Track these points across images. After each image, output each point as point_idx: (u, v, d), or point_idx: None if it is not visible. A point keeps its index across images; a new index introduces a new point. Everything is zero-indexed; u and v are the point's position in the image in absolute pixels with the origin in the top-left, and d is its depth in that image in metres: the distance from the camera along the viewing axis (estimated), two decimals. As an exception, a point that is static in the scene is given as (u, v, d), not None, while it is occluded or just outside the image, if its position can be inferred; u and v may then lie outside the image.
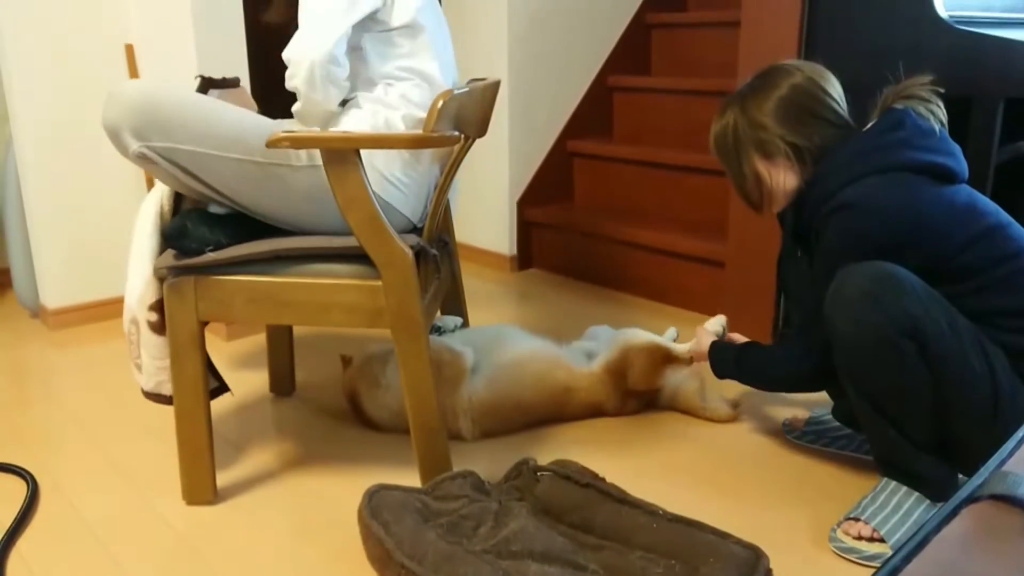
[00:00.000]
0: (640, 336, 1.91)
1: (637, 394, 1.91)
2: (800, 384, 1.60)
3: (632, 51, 3.33)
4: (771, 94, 1.46)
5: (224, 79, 1.64)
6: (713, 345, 1.72)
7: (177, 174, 1.44)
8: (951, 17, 1.99)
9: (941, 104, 1.44)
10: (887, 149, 1.38)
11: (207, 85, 1.63)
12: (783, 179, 1.48)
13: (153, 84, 1.45)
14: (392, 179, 1.56)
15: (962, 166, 1.40)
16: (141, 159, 1.41)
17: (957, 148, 1.42)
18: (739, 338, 1.75)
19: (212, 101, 1.48)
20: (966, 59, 1.54)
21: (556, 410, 1.87)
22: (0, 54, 2.41)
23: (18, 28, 2.34)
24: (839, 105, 1.46)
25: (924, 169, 1.36)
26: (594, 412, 1.91)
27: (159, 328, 1.55)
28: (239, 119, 1.46)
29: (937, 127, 1.41)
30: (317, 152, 1.49)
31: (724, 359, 1.68)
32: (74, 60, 2.45)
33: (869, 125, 1.44)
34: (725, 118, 1.52)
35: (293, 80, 1.54)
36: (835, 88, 1.47)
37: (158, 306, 1.54)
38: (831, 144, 1.44)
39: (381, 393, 1.82)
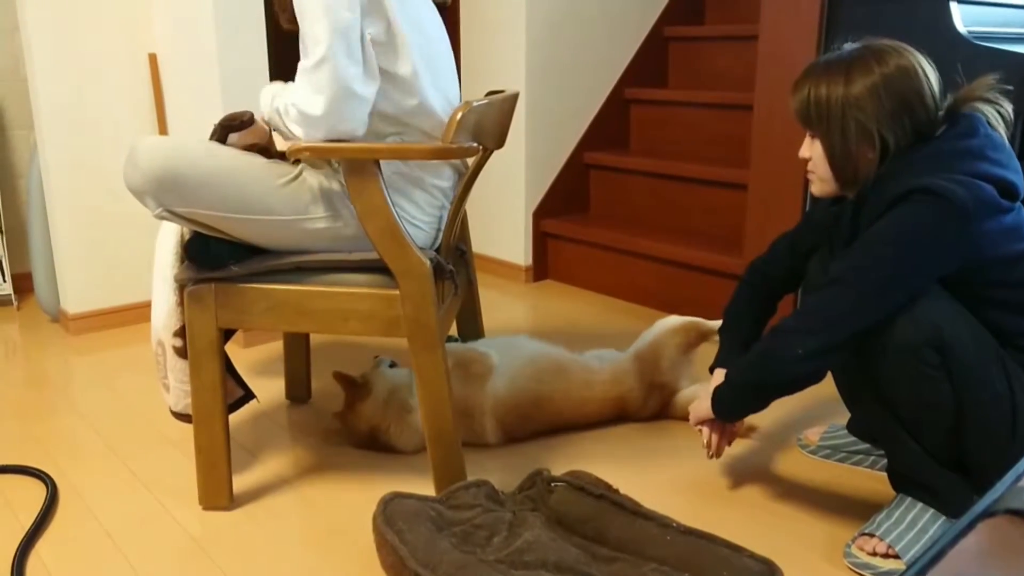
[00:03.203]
0: (673, 318, 2.00)
1: (662, 387, 1.92)
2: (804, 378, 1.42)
3: (649, 64, 3.34)
4: (876, 69, 1.36)
5: (240, 121, 1.63)
6: (713, 393, 1.54)
7: (200, 228, 1.49)
8: (970, 32, 1.99)
9: (1009, 105, 1.40)
10: (961, 156, 1.32)
11: (225, 131, 1.62)
12: (860, 165, 1.40)
13: (171, 148, 1.45)
14: (409, 219, 1.57)
15: (1022, 183, 1.35)
16: (163, 219, 1.46)
17: (1018, 164, 1.37)
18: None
19: (230, 160, 1.49)
20: (985, 75, 1.53)
21: (577, 407, 1.88)
22: (26, 63, 2.45)
23: (43, 36, 2.38)
24: (934, 100, 1.37)
25: (995, 182, 1.31)
26: (615, 410, 1.92)
27: (184, 353, 1.58)
28: (258, 178, 1.48)
29: (1006, 137, 1.37)
30: (338, 205, 1.51)
31: (725, 393, 1.52)
32: (98, 69, 2.48)
33: (940, 130, 1.38)
34: (828, 86, 1.39)
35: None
36: (936, 80, 1.38)
37: (182, 332, 1.57)
38: (908, 145, 1.37)
39: (413, 417, 1.79)
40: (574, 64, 3.11)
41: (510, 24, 2.96)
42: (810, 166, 1.46)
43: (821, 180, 1.44)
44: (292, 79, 1.49)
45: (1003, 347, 1.33)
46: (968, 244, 1.29)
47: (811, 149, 1.44)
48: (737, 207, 2.65)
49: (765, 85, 2.24)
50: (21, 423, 1.98)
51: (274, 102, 1.50)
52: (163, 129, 2.60)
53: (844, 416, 1.75)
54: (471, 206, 3.18)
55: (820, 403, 2.02)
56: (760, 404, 1.47)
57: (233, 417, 1.94)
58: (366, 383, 1.79)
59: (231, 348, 2.39)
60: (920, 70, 1.36)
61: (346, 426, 1.82)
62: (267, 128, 1.61)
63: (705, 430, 1.58)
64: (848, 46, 1.42)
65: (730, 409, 1.52)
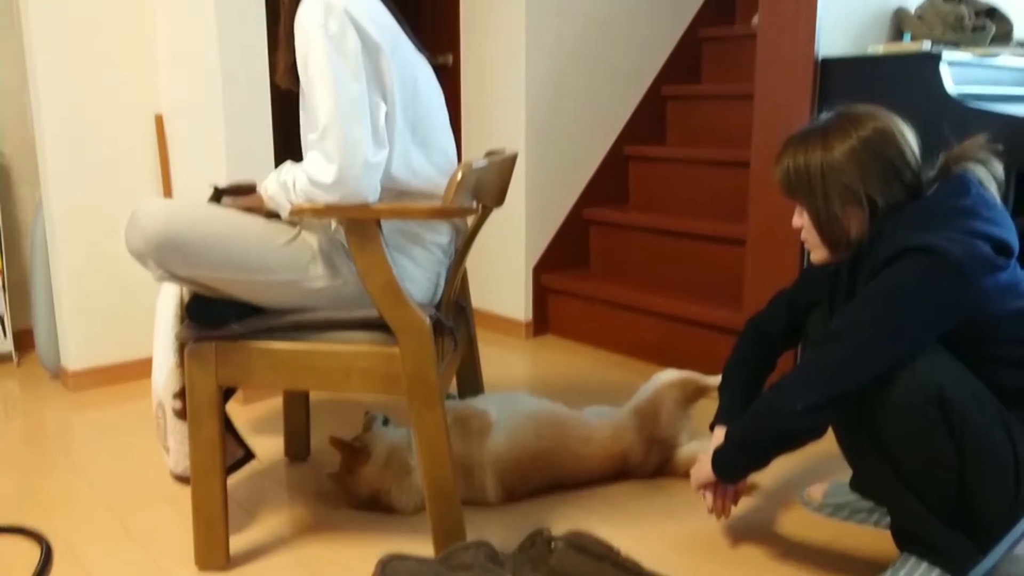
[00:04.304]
0: (670, 372, 1.98)
1: (662, 441, 1.91)
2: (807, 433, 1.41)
3: (648, 121, 3.40)
4: (852, 133, 1.39)
5: (238, 186, 1.67)
6: (713, 455, 1.53)
7: (200, 289, 1.51)
8: (960, 93, 2.03)
9: (999, 164, 1.42)
10: (955, 215, 1.34)
11: (221, 194, 1.65)
12: (850, 227, 1.42)
13: (172, 212, 1.47)
14: (408, 276, 1.58)
15: (1016, 241, 1.36)
16: (165, 281, 1.48)
17: (1011, 222, 1.38)
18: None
19: (231, 221, 1.51)
20: (976, 134, 1.56)
21: (577, 462, 1.87)
22: (33, 121, 2.49)
23: (53, 96, 2.43)
24: (915, 158, 1.40)
25: (989, 240, 1.32)
26: (616, 466, 1.91)
27: (184, 415, 1.58)
28: (258, 239, 1.50)
29: (998, 196, 1.39)
30: (337, 263, 1.53)
31: (726, 453, 1.50)
32: (105, 128, 2.53)
33: (932, 189, 1.40)
34: (806, 154, 1.42)
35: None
36: (914, 139, 1.42)
37: (182, 394, 1.57)
38: (898, 202, 1.39)
39: (413, 478, 1.77)
40: (573, 122, 3.16)
41: (510, 83, 3.02)
42: (803, 234, 1.48)
43: (815, 247, 1.47)
44: (295, 142, 1.52)
45: (1004, 404, 1.33)
46: (965, 301, 1.30)
47: (801, 217, 1.47)
48: (736, 262, 2.67)
49: (761, 144, 2.27)
50: (17, 480, 1.97)
51: (280, 176, 1.53)
52: (167, 189, 2.63)
53: (847, 473, 1.74)
54: (471, 261, 3.20)
55: (823, 460, 2.00)
56: (761, 462, 1.47)
57: (231, 475, 1.92)
58: (364, 447, 1.77)
59: (230, 406, 2.38)
60: (897, 130, 1.39)
61: (345, 489, 1.80)
62: (264, 197, 1.63)
63: (709, 495, 1.57)
64: (824, 115, 1.45)
65: (731, 468, 1.51)
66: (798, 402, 1.33)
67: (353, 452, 1.78)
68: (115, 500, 1.87)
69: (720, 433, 1.56)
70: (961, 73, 2.10)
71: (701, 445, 1.93)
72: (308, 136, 1.50)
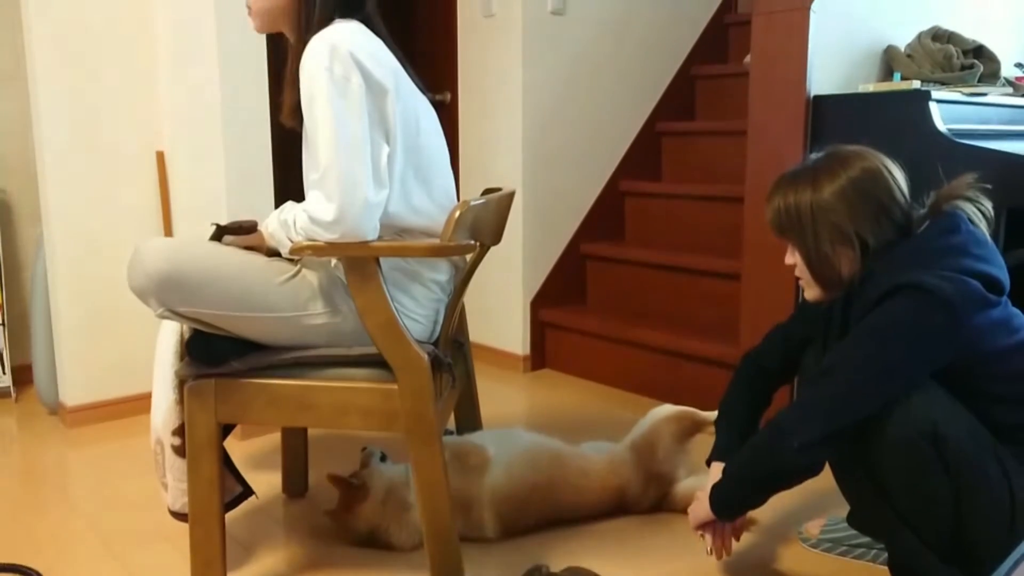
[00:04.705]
0: (667, 407, 1.99)
1: (659, 476, 1.91)
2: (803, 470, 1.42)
3: (643, 157, 3.44)
4: (841, 173, 1.41)
5: (240, 225, 1.69)
6: (711, 492, 1.53)
7: (201, 326, 1.52)
8: (950, 131, 2.07)
9: (989, 202, 1.44)
10: (946, 253, 1.36)
11: (222, 232, 1.67)
12: (841, 266, 1.44)
13: (174, 250, 1.48)
14: (407, 313, 1.59)
15: (1007, 278, 1.38)
16: (166, 318, 1.50)
17: (1002, 260, 1.40)
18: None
19: (231, 259, 1.53)
20: (966, 172, 1.59)
21: (575, 495, 1.87)
22: (36, 159, 2.52)
23: (55, 133, 2.46)
24: (904, 197, 1.42)
25: (980, 277, 1.33)
26: (613, 500, 1.91)
27: (182, 452, 1.59)
28: (258, 276, 1.52)
29: (988, 234, 1.41)
30: (337, 300, 1.54)
31: (723, 491, 1.51)
32: (107, 165, 2.55)
33: (923, 227, 1.42)
34: (796, 194, 1.44)
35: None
36: (902, 178, 1.44)
37: (181, 430, 1.58)
38: (889, 241, 1.41)
39: (412, 515, 1.77)
40: (570, 158, 3.20)
41: (507, 120, 3.06)
42: (797, 272, 1.50)
43: (808, 286, 1.49)
44: (295, 181, 1.54)
45: (999, 440, 1.34)
46: (957, 338, 1.31)
47: (793, 256, 1.49)
48: (732, 296, 2.68)
49: (754, 179, 2.30)
50: (12, 517, 1.96)
51: (281, 215, 1.55)
52: (168, 225, 2.65)
53: (844, 508, 1.73)
54: (470, 295, 3.20)
55: (820, 495, 2.00)
56: (759, 499, 1.48)
57: (229, 511, 1.92)
58: (362, 485, 1.77)
59: (229, 442, 2.38)
60: (885, 170, 1.42)
61: (343, 527, 1.80)
62: (265, 235, 1.64)
63: (708, 536, 1.57)
64: (814, 156, 1.48)
65: (729, 506, 1.51)
66: (795, 439, 1.34)
67: (351, 490, 1.77)
68: (112, 537, 1.86)
69: (717, 469, 1.57)
70: (950, 111, 2.14)
71: (699, 480, 1.94)
72: (310, 175, 1.52)
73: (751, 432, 1.62)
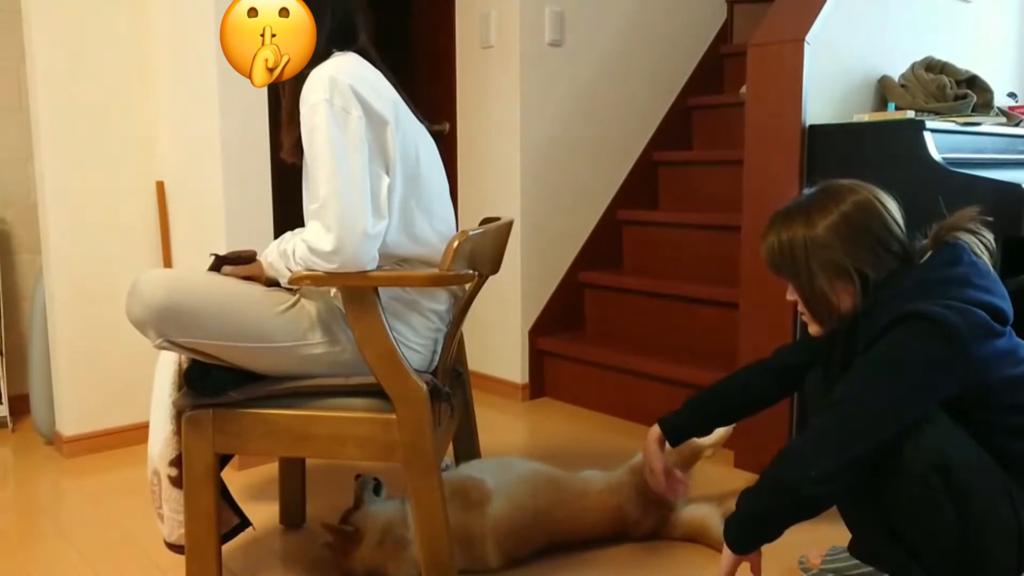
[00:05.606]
0: None
1: (659, 502, 1.90)
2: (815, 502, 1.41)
3: (640, 187, 3.45)
4: (833, 208, 1.42)
5: (239, 255, 1.69)
6: (725, 528, 1.51)
7: (199, 356, 1.52)
8: (945, 160, 2.08)
9: (990, 234, 1.44)
10: (949, 284, 1.36)
11: (221, 262, 1.67)
12: (840, 301, 1.44)
13: (172, 281, 1.49)
14: (406, 342, 1.60)
15: (1011, 309, 1.38)
16: (164, 349, 1.50)
17: (1005, 290, 1.40)
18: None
19: (229, 289, 1.53)
20: (961, 201, 1.60)
21: (575, 516, 1.86)
22: (37, 189, 2.53)
23: (54, 162, 2.47)
24: (899, 228, 1.43)
25: (984, 308, 1.33)
26: (613, 521, 1.90)
27: (179, 483, 1.58)
28: (257, 306, 1.52)
29: (991, 265, 1.42)
30: (335, 330, 1.55)
31: (739, 527, 1.48)
32: (107, 195, 2.57)
33: (925, 258, 1.43)
34: (789, 231, 1.45)
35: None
36: (896, 209, 1.44)
37: (178, 461, 1.57)
38: (892, 271, 1.41)
39: (410, 552, 1.70)
40: (567, 187, 3.22)
41: (505, 149, 3.08)
42: (800, 307, 1.51)
43: (809, 322, 1.51)
44: (294, 211, 1.55)
45: (1007, 472, 1.34)
46: (964, 367, 1.31)
47: (794, 293, 1.50)
48: (729, 324, 2.68)
49: (751, 208, 2.31)
50: (6, 549, 1.94)
51: (280, 245, 1.56)
52: (167, 256, 2.65)
53: (845, 537, 1.72)
54: (468, 323, 3.19)
55: (821, 523, 1.98)
56: (775, 532, 1.45)
57: (226, 543, 1.90)
58: (356, 531, 1.71)
59: (226, 472, 2.37)
60: (877, 201, 1.43)
61: (340, 568, 1.76)
62: (264, 265, 1.64)
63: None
64: (807, 191, 1.49)
65: (745, 540, 1.48)
66: (811, 470, 1.33)
67: (345, 536, 1.72)
68: (107, 569, 1.84)
69: (656, 429, 1.80)
70: (944, 140, 2.15)
71: (699, 508, 1.93)
72: (309, 206, 1.53)
73: (721, 413, 1.81)
